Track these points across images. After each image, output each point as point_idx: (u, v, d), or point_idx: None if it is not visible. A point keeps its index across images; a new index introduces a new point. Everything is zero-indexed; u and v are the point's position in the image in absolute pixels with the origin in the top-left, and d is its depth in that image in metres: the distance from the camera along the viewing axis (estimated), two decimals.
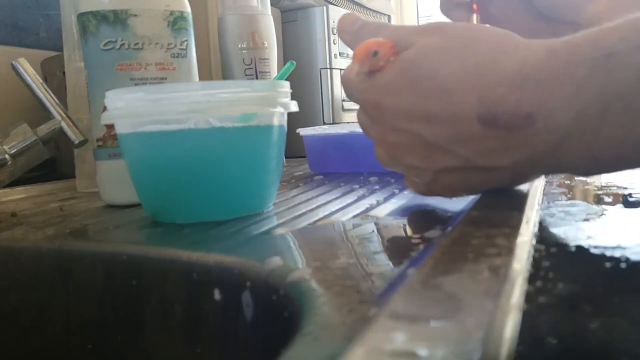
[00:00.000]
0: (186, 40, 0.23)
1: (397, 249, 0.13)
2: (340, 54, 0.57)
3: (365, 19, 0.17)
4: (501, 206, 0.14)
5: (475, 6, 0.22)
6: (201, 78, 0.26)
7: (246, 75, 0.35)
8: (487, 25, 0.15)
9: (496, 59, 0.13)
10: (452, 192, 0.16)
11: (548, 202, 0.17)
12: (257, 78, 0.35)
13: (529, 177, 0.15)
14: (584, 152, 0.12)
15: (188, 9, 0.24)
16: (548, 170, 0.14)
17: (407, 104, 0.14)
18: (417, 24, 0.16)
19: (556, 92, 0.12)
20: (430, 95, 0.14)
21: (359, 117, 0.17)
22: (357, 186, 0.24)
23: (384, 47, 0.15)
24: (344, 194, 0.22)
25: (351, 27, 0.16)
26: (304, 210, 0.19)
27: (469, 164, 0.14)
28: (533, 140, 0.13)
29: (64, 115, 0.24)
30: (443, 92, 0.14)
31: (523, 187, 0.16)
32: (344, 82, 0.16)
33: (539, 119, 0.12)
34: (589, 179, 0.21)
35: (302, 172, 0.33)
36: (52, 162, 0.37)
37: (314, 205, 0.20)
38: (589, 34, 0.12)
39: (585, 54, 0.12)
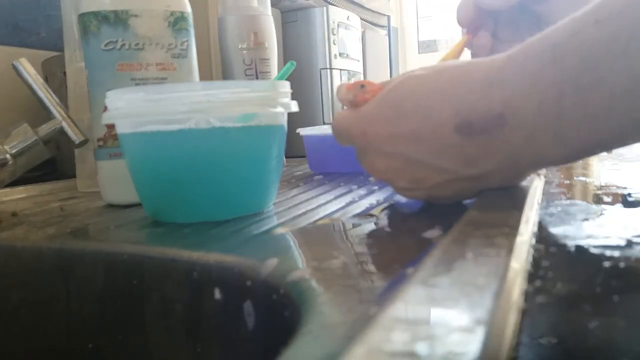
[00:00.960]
0: (187, 40, 0.23)
1: (396, 248, 0.13)
2: (340, 54, 0.57)
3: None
4: (501, 206, 0.14)
5: (470, 35, 0.23)
6: (202, 78, 0.26)
7: (246, 75, 0.35)
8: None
9: (466, 72, 0.15)
10: (450, 200, 0.17)
11: (547, 202, 0.17)
12: (257, 78, 0.35)
13: (516, 177, 0.16)
14: (554, 140, 0.13)
15: (189, 9, 0.24)
16: (530, 166, 0.15)
17: (389, 127, 0.16)
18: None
19: (517, 89, 0.13)
20: (410, 114, 0.15)
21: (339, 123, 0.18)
22: (356, 186, 0.24)
23: (371, 85, 0.17)
24: (343, 194, 0.22)
25: (346, 96, 0.18)
26: (304, 210, 0.19)
27: (456, 176, 0.16)
28: (507, 139, 0.14)
29: (64, 115, 0.24)
30: (421, 110, 0.15)
31: (523, 186, 0.16)
32: (334, 129, 0.18)
33: (509, 117, 0.14)
34: (588, 179, 0.22)
35: (302, 172, 0.33)
36: (53, 162, 0.37)
37: (314, 205, 0.20)
38: (541, 34, 0.14)
39: (535, 49, 0.13)
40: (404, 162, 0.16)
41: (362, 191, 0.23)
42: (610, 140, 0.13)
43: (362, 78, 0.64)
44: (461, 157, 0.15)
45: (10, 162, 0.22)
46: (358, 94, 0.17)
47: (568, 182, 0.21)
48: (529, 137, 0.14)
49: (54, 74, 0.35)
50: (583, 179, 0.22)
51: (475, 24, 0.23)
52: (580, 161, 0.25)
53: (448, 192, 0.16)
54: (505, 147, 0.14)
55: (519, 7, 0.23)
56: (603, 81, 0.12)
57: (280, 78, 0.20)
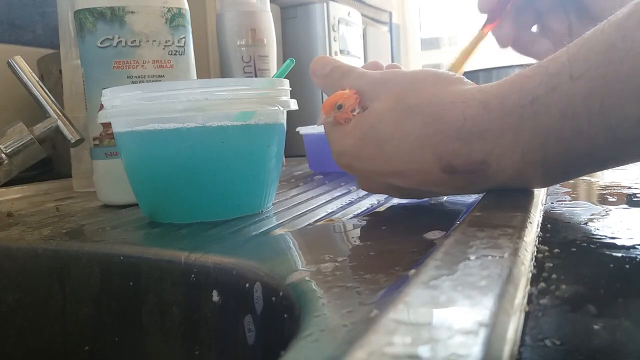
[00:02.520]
0: (184, 37, 0.23)
1: (398, 249, 0.13)
2: (340, 51, 0.57)
3: (336, 61, 0.18)
4: (504, 207, 0.13)
5: (493, 24, 0.22)
6: (199, 76, 0.26)
7: (245, 72, 0.35)
8: (431, 70, 0.17)
9: (439, 116, 0.15)
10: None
11: (552, 202, 0.17)
12: (256, 76, 0.35)
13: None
14: (541, 175, 0.15)
15: (186, 5, 0.23)
16: (513, 186, 0.16)
17: (375, 166, 0.16)
18: (378, 71, 0.18)
19: (499, 140, 0.14)
20: (393, 156, 0.16)
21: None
22: (357, 186, 0.24)
23: (348, 100, 0.17)
24: (344, 194, 0.22)
25: (321, 71, 0.18)
26: (303, 210, 0.19)
27: (444, 193, 0.17)
28: (491, 177, 0.15)
29: (60, 113, 0.24)
30: (403, 153, 0.15)
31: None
32: (324, 125, 0.18)
33: (492, 163, 0.14)
34: (593, 179, 0.22)
35: (301, 172, 0.33)
36: (49, 161, 0.37)
37: (313, 205, 0.20)
38: (512, 83, 0.14)
39: (514, 102, 0.14)
40: (393, 187, 0.17)
41: (362, 191, 0.22)
42: (594, 171, 0.15)
43: None
44: (450, 186, 0.16)
45: (6, 162, 0.22)
46: (337, 115, 0.17)
47: (572, 182, 0.21)
48: (513, 175, 0.15)
49: (50, 72, 0.35)
50: (587, 179, 0.21)
51: (496, 11, 0.23)
52: None
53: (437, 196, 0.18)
54: (487, 182, 0.15)
55: None
56: (583, 133, 0.13)
57: (279, 76, 0.20)
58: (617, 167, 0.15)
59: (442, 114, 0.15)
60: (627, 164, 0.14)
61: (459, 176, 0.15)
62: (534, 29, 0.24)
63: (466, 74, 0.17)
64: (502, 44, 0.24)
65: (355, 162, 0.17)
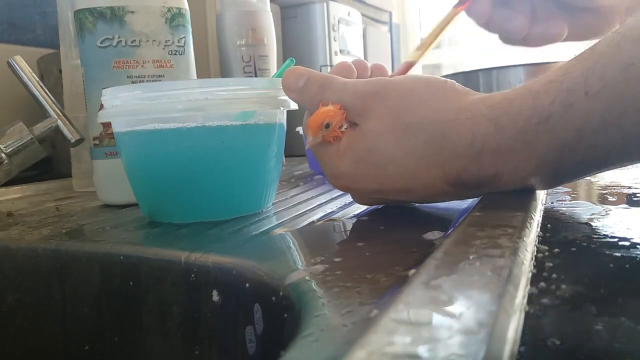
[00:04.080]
0: (184, 37, 0.23)
1: (398, 249, 0.13)
2: (340, 51, 0.57)
3: (309, 71, 0.17)
4: (504, 206, 0.13)
5: (461, 8, 0.23)
6: (199, 75, 0.26)
7: (245, 72, 0.35)
8: (421, 76, 0.16)
9: (444, 134, 0.14)
10: None
11: (552, 202, 0.17)
12: (256, 75, 0.35)
13: None
14: (547, 181, 0.15)
15: (186, 5, 0.23)
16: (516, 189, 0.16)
17: (376, 186, 0.16)
18: (359, 80, 0.16)
19: (513, 156, 0.14)
20: (396, 176, 0.15)
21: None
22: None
23: (334, 117, 0.16)
24: (344, 194, 0.22)
25: (295, 85, 0.17)
26: (303, 210, 0.19)
27: (448, 200, 0.17)
28: (501, 187, 0.15)
29: (60, 113, 0.24)
30: (407, 173, 0.15)
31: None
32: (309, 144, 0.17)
33: (505, 175, 0.14)
34: (593, 179, 0.22)
35: (301, 172, 0.33)
36: (49, 161, 0.37)
37: (313, 205, 0.20)
38: (524, 100, 0.14)
39: (526, 120, 0.13)
40: (395, 202, 0.17)
41: None
42: (600, 172, 0.16)
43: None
44: (454, 196, 0.16)
45: (6, 162, 0.22)
46: (326, 135, 0.16)
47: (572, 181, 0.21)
48: (523, 183, 0.15)
49: (50, 72, 0.35)
50: (588, 178, 0.21)
51: None
52: None
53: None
54: (497, 188, 0.15)
55: None
56: (599, 147, 0.13)
57: (279, 75, 0.20)
58: (621, 167, 0.15)
59: (447, 132, 0.14)
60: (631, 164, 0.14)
61: (467, 188, 0.15)
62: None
63: (466, 73, 0.17)
64: (478, 20, 0.24)
65: (354, 184, 0.16)
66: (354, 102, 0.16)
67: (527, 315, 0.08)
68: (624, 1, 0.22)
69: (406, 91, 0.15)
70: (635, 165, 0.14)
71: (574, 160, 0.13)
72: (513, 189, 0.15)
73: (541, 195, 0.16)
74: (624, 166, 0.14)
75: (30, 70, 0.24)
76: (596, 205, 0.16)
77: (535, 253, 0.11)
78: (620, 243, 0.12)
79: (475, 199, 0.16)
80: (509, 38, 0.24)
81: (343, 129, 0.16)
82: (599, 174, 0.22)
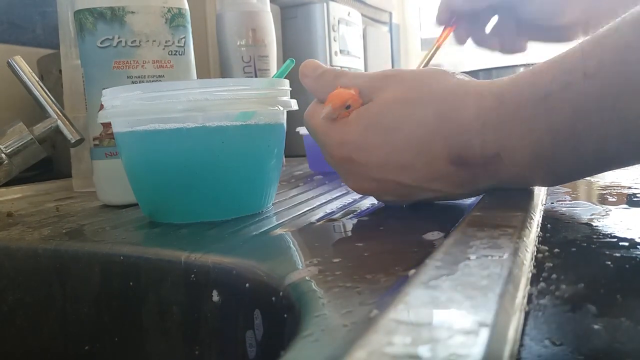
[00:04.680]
0: (184, 37, 0.23)
1: (398, 249, 0.13)
2: (340, 51, 0.57)
3: (325, 65, 0.18)
4: (504, 206, 0.13)
5: (451, 28, 0.27)
6: (199, 76, 0.26)
7: (245, 73, 0.35)
8: (437, 68, 0.17)
9: (453, 107, 0.15)
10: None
11: (552, 202, 0.17)
12: (256, 76, 0.35)
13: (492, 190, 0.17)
14: (546, 173, 0.15)
15: (186, 5, 0.23)
16: (516, 185, 0.16)
17: (380, 156, 0.15)
18: (380, 70, 0.17)
19: (512, 132, 0.14)
20: (402, 147, 0.15)
21: (310, 122, 0.18)
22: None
23: (355, 102, 0.16)
24: (344, 194, 0.22)
25: (313, 73, 0.17)
26: (303, 210, 0.19)
27: (445, 194, 0.16)
28: (500, 172, 0.15)
29: (60, 113, 0.24)
30: (412, 143, 0.15)
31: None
32: (311, 122, 0.17)
33: (505, 156, 0.14)
34: (593, 179, 0.22)
35: (301, 172, 0.33)
36: (49, 162, 0.37)
37: (313, 205, 0.20)
38: (526, 77, 0.14)
39: (527, 97, 0.14)
40: (394, 185, 0.16)
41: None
42: (598, 171, 0.15)
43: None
44: (454, 181, 0.15)
45: (6, 162, 0.22)
46: (342, 114, 0.16)
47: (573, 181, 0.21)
48: (522, 171, 0.14)
49: (50, 72, 0.35)
50: (588, 179, 0.21)
51: (450, 22, 0.27)
52: None
53: (430, 200, 0.17)
54: (495, 178, 0.15)
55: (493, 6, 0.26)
56: (594, 129, 0.13)
57: (279, 76, 0.20)
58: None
59: (457, 105, 0.14)
60: (631, 165, 0.14)
61: (466, 169, 0.14)
62: (488, 28, 0.28)
63: (466, 73, 0.18)
64: (459, 43, 0.27)
65: (357, 153, 0.15)
66: (369, 84, 0.16)
67: (527, 315, 0.08)
68: (585, 19, 0.24)
69: (420, 74, 0.16)
70: (635, 165, 0.14)
71: (570, 146, 0.13)
72: (508, 181, 0.15)
73: (541, 195, 0.16)
74: (624, 165, 0.14)
75: (30, 71, 0.24)
76: (596, 205, 0.16)
77: (535, 253, 0.11)
78: (620, 243, 0.12)
79: (473, 200, 0.16)
80: (490, 50, 0.28)
81: None
82: (599, 175, 0.22)
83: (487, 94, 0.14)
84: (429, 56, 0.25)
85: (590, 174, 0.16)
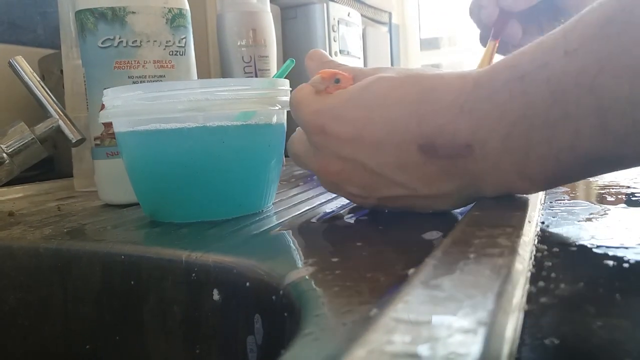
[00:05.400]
0: (185, 37, 0.23)
1: (397, 249, 0.13)
2: (340, 51, 0.57)
3: (331, 58, 0.18)
4: (503, 206, 0.13)
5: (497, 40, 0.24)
6: (200, 76, 0.26)
7: (245, 73, 0.35)
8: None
9: (434, 87, 0.14)
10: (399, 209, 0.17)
11: (550, 202, 0.17)
12: (256, 76, 0.35)
13: (475, 199, 0.15)
14: (518, 173, 0.13)
15: (187, 6, 0.23)
16: (492, 192, 0.14)
17: (354, 130, 0.15)
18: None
19: (485, 120, 0.13)
20: (377, 122, 0.14)
21: (293, 148, 0.18)
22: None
23: (346, 80, 0.16)
24: None
25: (320, 59, 0.18)
26: (303, 210, 0.19)
27: (411, 192, 0.15)
28: (471, 167, 0.14)
29: (61, 113, 0.24)
30: (389, 120, 0.14)
31: None
32: (295, 95, 0.17)
33: (476, 148, 0.13)
34: (592, 178, 0.21)
35: (302, 171, 0.33)
36: (50, 161, 0.37)
37: (313, 205, 0.20)
38: (507, 61, 0.13)
39: (503, 79, 0.13)
40: (360, 169, 0.15)
41: None
42: (575, 174, 0.14)
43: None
44: (421, 175, 0.14)
45: (7, 162, 0.22)
46: (330, 87, 0.16)
47: None
48: (492, 169, 0.14)
49: (51, 72, 0.35)
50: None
51: (498, 26, 0.24)
52: None
53: (398, 205, 0.16)
54: (466, 174, 0.14)
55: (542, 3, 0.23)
56: (570, 116, 0.12)
57: (279, 76, 0.20)
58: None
59: (438, 87, 0.14)
60: (610, 170, 0.13)
61: (435, 161, 0.14)
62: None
63: None
64: (512, 44, 0.25)
65: (331, 123, 0.15)
66: (364, 72, 0.16)
67: (526, 315, 0.08)
68: None
69: (413, 70, 0.16)
70: (613, 172, 0.14)
71: (545, 137, 0.12)
72: (484, 184, 0.14)
73: (540, 195, 0.16)
74: (604, 167, 0.13)
75: (32, 71, 0.24)
76: (595, 204, 0.16)
77: (534, 252, 0.11)
78: (618, 243, 0.12)
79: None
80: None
81: None
82: (600, 175, 0.22)
83: (469, 79, 0.14)
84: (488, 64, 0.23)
85: (568, 180, 0.14)
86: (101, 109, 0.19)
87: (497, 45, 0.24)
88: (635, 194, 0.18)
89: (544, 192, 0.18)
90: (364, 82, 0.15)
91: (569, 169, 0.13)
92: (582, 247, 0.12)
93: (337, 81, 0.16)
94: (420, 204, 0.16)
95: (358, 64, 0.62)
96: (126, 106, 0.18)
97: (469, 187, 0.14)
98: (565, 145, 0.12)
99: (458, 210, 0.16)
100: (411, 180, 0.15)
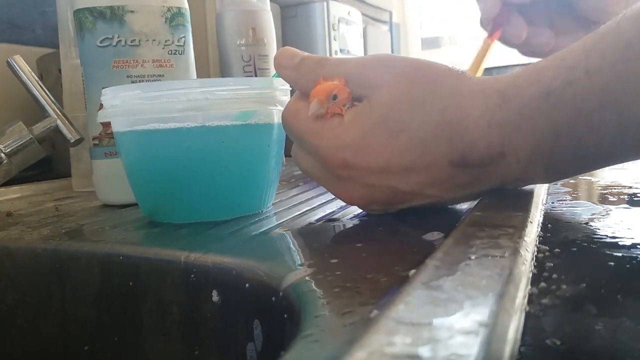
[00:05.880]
0: (184, 36, 0.23)
1: (398, 250, 0.13)
2: (340, 50, 0.57)
3: (303, 52, 0.16)
4: (505, 206, 0.13)
5: (492, 38, 0.23)
6: (199, 75, 0.25)
7: (245, 72, 0.35)
8: (430, 61, 0.15)
9: (458, 105, 0.14)
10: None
11: (552, 202, 0.17)
12: (256, 75, 0.35)
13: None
14: (545, 170, 0.15)
15: (185, 5, 0.23)
16: (514, 187, 0.15)
17: (381, 161, 0.14)
18: (358, 56, 0.16)
19: (516, 131, 0.14)
20: (405, 148, 0.14)
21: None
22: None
23: (342, 92, 0.14)
24: None
25: (290, 62, 0.16)
26: (303, 210, 0.19)
27: (438, 200, 0.15)
28: (503, 172, 0.14)
29: (59, 113, 0.24)
30: (417, 144, 0.14)
31: (527, 187, 0.16)
32: (294, 123, 0.15)
33: (508, 154, 0.14)
34: (593, 178, 0.22)
35: (301, 172, 0.33)
36: (48, 161, 0.37)
37: (313, 205, 0.20)
38: (529, 74, 0.14)
39: (530, 95, 0.14)
40: (388, 191, 0.15)
41: None
42: (598, 167, 0.15)
43: None
44: (451, 186, 0.15)
45: (5, 162, 0.22)
46: (330, 108, 0.14)
47: (573, 181, 0.21)
48: (522, 171, 0.14)
49: (49, 72, 0.35)
50: (588, 178, 0.21)
51: (500, 19, 0.23)
52: None
53: (419, 207, 0.16)
54: (497, 177, 0.15)
55: None
56: (594, 130, 0.13)
57: (279, 75, 0.20)
58: (617, 167, 0.15)
59: (462, 103, 0.14)
60: (625, 162, 0.14)
61: (466, 172, 0.14)
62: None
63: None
64: (514, 43, 0.24)
65: (356, 157, 0.14)
66: (358, 73, 0.15)
67: (528, 316, 0.08)
68: None
69: (419, 64, 0.15)
70: (633, 164, 0.14)
71: (570, 145, 0.13)
72: (505, 182, 0.14)
73: (541, 195, 0.16)
74: (624, 161, 0.14)
75: (30, 70, 0.24)
76: (597, 205, 0.16)
77: (535, 253, 0.11)
78: (620, 243, 0.12)
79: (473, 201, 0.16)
80: (533, 52, 0.25)
81: (346, 107, 0.14)
82: (599, 174, 0.22)
83: (491, 92, 0.14)
84: (480, 63, 0.22)
85: (589, 170, 0.16)
86: (100, 109, 0.19)
87: (492, 45, 0.24)
88: (637, 194, 0.18)
89: (546, 192, 0.18)
90: (377, 107, 0.14)
91: (592, 166, 0.15)
92: (584, 248, 0.12)
93: (335, 97, 0.14)
94: (440, 205, 0.16)
95: None
96: (125, 106, 0.17)
97: (494, 187, 0.15)
98: (590, 152, 0.14)
99: (459, 210, 0.16)
100: (440, 191, 0.15)
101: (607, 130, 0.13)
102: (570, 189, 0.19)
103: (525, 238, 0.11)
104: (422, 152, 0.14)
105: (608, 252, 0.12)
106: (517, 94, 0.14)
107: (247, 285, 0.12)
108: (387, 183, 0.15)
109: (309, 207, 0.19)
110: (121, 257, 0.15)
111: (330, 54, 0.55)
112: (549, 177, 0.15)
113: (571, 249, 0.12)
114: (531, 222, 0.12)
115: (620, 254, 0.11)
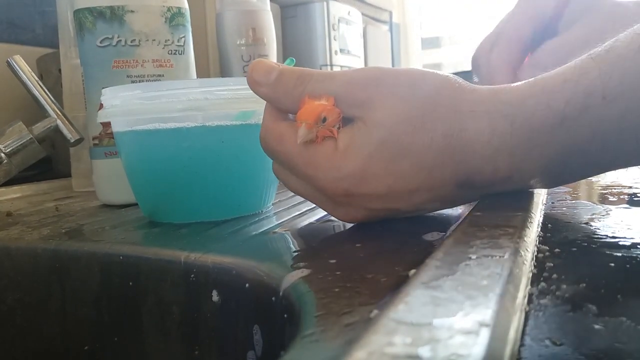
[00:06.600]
0: (184, 36, 0.23)
1: (398, 250, 0.13)
2: (340, 50, 0.57)
3: (279, 64, 0.14)
4: (505, 207, 0.13)
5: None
6: (199, 75, 0.25)
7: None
8: (426, 70, 0.13)
9: (462, 127, 0.13)
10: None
11: (552, 202, 0.17)
12: None
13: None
14: (549, 182, 0.15)
15: (185, 5, 0.23)
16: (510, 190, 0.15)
17: (384, 187, 0.13)
18: (344, 70, 0.14)
19: (526, 157, 0.13)
20: (408, 173, 0.13)
21: (288, 184, 0.15)
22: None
23: (331, 113, 0.13)
24: None
25: (266, 79, 0.14)
26: (303, 210, 0.19)
27: (438, 208, 0.16)
28: (506, 188, 0.14)
29: (59, 113, 0.24)
30: (421, 169, 0.13)
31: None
32: (280, 150, 0.14)
33: (516, 177, 0.14)
34: (594, 178, 0.21)
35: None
36: (48, 161, 0.37)
37: (313, 205, 0.20)
38: (538, 97, 0.13)
39: (542, 122, 0.13)
40: (390, 212, 0.14)
41: None
42: (602, 172, 0.15)
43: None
44: (455, 200, 0.15)
45: (5, 161, 0.22)
46: (320, 131, 0.13)
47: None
48: (527, 185, 0.14)
49: (49, 72, 0.35)
50: (588, 178, 0.21)
51: (517, 62, 0.21)
52: None
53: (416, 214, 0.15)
54: (500, 190, 0.14)
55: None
56: (610, 151, 0.13)
57: None
58: None
59: (466, 125, 0.13)
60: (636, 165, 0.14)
61: (471, 191, 0.14)
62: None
63: (466, 73, 0.17)
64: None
65: (357, 186, 0.13)
66: (348, 92, 0.13)
67: (528, 315, 0.08)
68: None
69: (414, 78, 0.13)
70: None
71: (582, 162, 0.13)
72: (513, 189, 0.14)
73: (541, 195, 0.16)
74: (630, 166, 0.14)
75: (30, 70, 0.24)
76: (597, 205, 0.16)
77: (535, 253, 0.11)
78: (620, 243, 0.12)
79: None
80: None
81: (336, 128, 0.13)
82: (600, 175, 0.22)
83: (496, 115, 0.13)
84: None
85: (593, 175, 0.16)
86: (99, 109, 0.19)
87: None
88: (637, 194, 0.18)
89: (546, 192, 0.18)
90: (376, 130, 0.13)
91: (597, 174, 0.15)
92: (584, 248, 0.12)
93: (324, 120, 0.13)
94: (441, 210, 0.16)
95: (358, 62, 0.62)
96: (125, 106, 0.17)
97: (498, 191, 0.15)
98: (602, 166, 0.14)
99: (459, 211, 0.16)
100: (442, 205, 0.15)
101: (623, 148, 0.13)
102: (570, 189, 0.19)
103: (525, 238, 0.11)
104: (427, 177, 0.13)
105: (608, 252, 0.12)
106: (526, 120, 0.13)
107: (247, 285, 0.12)
108: (390, 206, 0.14)
109: (309, 207, 0.19)
110: (121, 257, 0.15)
111: (331, 54, 0.55)
112: (551, 184, 0.15)
113: (571, 249, 0.12)
114: (531, 222, 0.12)
115: (620, 254, 0.11)
